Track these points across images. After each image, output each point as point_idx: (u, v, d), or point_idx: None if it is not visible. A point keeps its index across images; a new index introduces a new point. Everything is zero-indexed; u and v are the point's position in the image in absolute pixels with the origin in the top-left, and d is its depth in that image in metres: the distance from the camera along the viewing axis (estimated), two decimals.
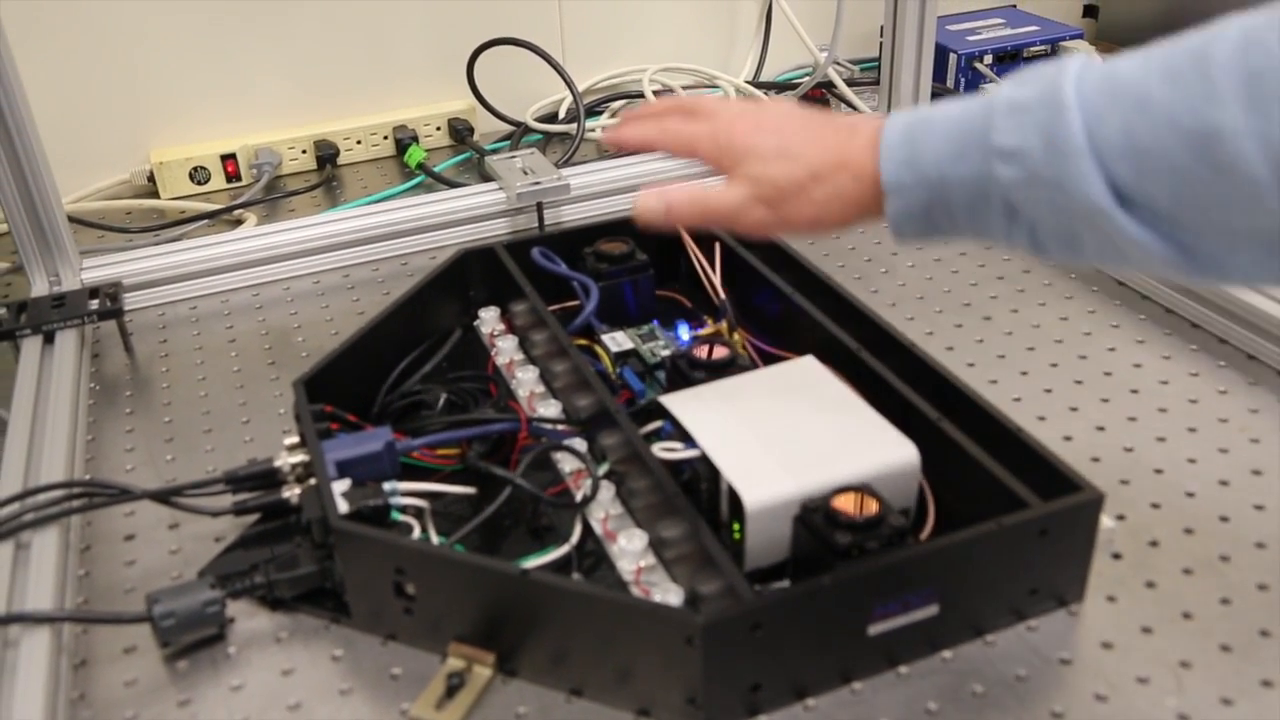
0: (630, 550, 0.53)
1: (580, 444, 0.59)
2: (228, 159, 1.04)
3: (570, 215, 0.93)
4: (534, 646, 0.49)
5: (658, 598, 0.50)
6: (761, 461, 0.52)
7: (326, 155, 1.05)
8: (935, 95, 1.04)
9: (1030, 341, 0.73)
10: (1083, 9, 1.29)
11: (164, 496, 0.58)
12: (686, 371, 0.61)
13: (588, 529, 0.55)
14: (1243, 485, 0.60)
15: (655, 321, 0.72)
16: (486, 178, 0.96)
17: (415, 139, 1.07)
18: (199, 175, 1.03)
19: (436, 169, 1.02)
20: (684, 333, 0.70)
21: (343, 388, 0.62)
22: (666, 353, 0.67)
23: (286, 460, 0.57)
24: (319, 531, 0.53)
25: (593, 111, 1.12)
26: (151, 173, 1.03)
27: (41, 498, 0.59)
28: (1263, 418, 0.65)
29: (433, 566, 0.50)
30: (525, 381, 0.66)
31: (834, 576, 0.46)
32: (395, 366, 0.66)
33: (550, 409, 0.63)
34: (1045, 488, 0.51)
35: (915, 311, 0.77)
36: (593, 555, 0.54)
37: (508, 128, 1.11)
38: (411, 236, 0.89)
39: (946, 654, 0.51)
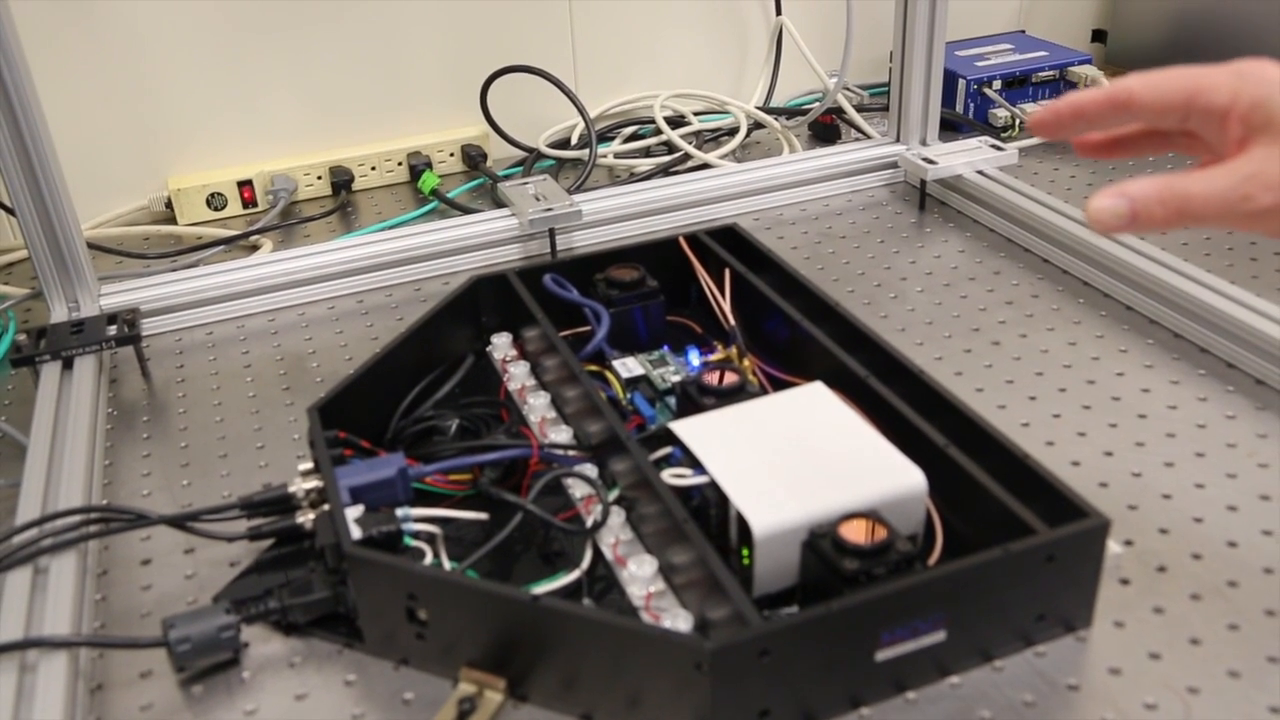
0: (640, 576, 0.53)
1: (591, 470, 0.60)
2: (244, 185, 1.05)
3: (582, 241, 0.93)
4: (544, 672, 0.50)
5: (667, 623, 0.50)
6: (770, 488, 0.53)
7: (341, 181, 1.07)
8: (944, 121, 1.05)
9: (1039, 366, 0.74)
10: (1091, 34, 1.30)
11: (180, 522, 0.59)
12: (696, 397, 0.61)
13: (598, 554, 0.56)
14: (1251, 510, 0.60)
15: (666, 347, 0.72)
16: (499, 204, 0.97)
17: (429, 165, 1.08)
18: (216, 201, 1.04)
19: (450, 195, 1.03)
20: (694, 358, 0.70)
21: (356, 414, 0.62)
22: (677, 378, 0.67)
23: (300, 486, 0.58)
24: (332, 557, 0.53)
25: (605, 138, 1.13)
26: (169, 199, 1.04)
27: (59, 523, 0.59)
28: (1271, 443, 0.65)
29: (444, 592, 0.51)
30: (537, 407, 0.66)
31: (842, 602, 0.46)
32: (408, 392, 0.67)
33: (561, 435, 0.63)
34: (1052, 514, 0.51)
35: (924, 337, 0.78)
36: (603, 580, 0.55)
37: (521, 154, 1.12)
38: (425, 262, 0.90)
39: (954, 680, 0.51)
